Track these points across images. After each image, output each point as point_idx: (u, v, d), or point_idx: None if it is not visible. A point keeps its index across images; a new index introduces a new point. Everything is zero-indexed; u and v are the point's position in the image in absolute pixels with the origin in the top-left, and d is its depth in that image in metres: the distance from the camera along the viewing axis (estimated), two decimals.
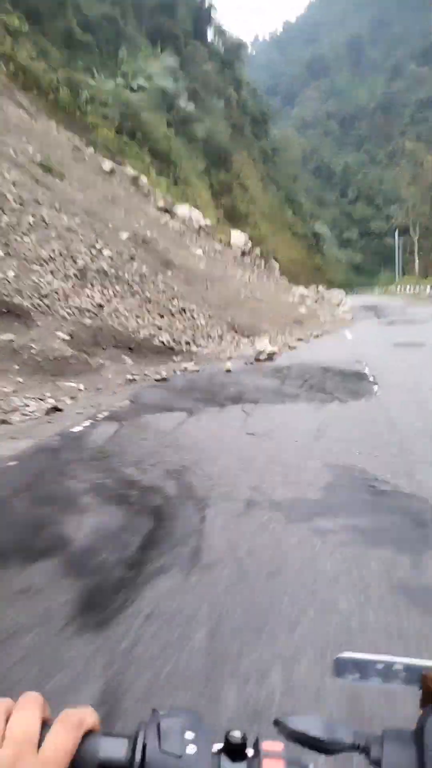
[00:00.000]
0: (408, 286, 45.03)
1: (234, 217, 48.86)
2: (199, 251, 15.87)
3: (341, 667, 0.71)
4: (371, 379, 8.91)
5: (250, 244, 23.10)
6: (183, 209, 19.26)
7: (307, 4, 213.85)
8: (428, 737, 0.58)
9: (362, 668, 0.71)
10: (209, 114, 48.84)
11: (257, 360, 11.36)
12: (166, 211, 18.08)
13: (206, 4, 54.60)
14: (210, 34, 58.32)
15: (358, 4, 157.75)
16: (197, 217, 20.06)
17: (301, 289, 20.25)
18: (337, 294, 23.86)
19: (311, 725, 0.61)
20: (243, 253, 22.08)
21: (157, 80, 33.97)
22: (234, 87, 57.35)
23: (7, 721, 0.48)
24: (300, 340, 14.02)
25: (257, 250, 24.46)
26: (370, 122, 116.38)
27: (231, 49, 59.79)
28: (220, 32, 58.28)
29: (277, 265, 25.50)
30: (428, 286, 38.32)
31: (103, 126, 25.24)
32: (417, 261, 50.51)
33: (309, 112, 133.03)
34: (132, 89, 30.15)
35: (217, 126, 48.36)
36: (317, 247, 69.41)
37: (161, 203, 17.91)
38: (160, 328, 11.84)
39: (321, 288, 21.90)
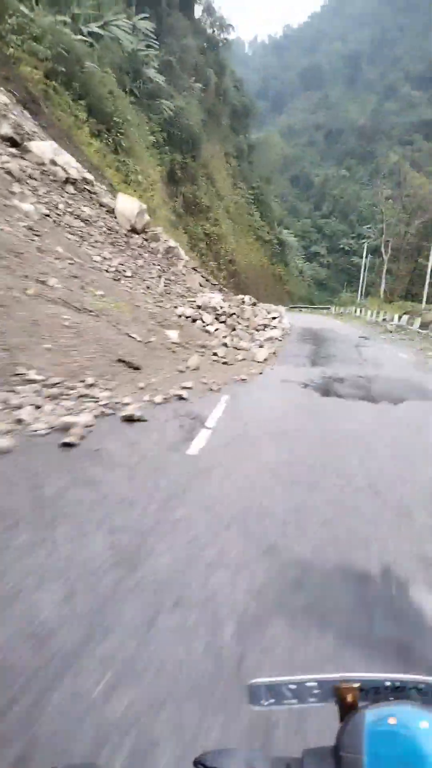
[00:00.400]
0: (370, 312, 37.22)
1: (193, 209, 44.84)
2: (29, 207, 10.63)
3: (255, 694, 0.71)
4: None
5: (146, 218, 16.92)
6: (43, 146, 13.79)
7: (310, 13, 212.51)
8: (344, 751, 0.59)
9: (276, 692, 0.71)
10: (182, 93, 44.61)
11: None
12: (14, 143, 12.93)
13: None
14: (198, 11, 54.08)
15: (361, 21, 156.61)
16: (66, 162, 14.38)
17: (210, 298, 13.79)
18: (269, 311, 17.72)
19: (228, 759, 0.62)
20: (133, 230, 16.25)
21: (117, 33, 29.45)
22: (216, 71, 53.24)
23: None
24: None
25: (158, 229, 18.07)
26: (357, 139, 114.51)
27: (218, 31, 55.68)
28: (209, 10, 54.05)
29: (184, 257, 18.56)
30: (396, 315, 29.67)
31: (28, 64, 20.73)
32: (383, 283, 46.77)
33: (296, 120, 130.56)
34: (81, 33, 25.59)
35: (189, 107, 44.12)
36: (281, 255, 66.02)
37: (6, 130, 12.71)
38: None
39: (248, 299, 15.89)
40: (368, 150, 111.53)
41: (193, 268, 17.99)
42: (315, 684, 0.69)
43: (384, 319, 31.40)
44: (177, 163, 42.43)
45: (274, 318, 15.50)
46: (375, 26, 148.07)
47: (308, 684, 0.69)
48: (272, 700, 0.70)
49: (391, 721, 0.61)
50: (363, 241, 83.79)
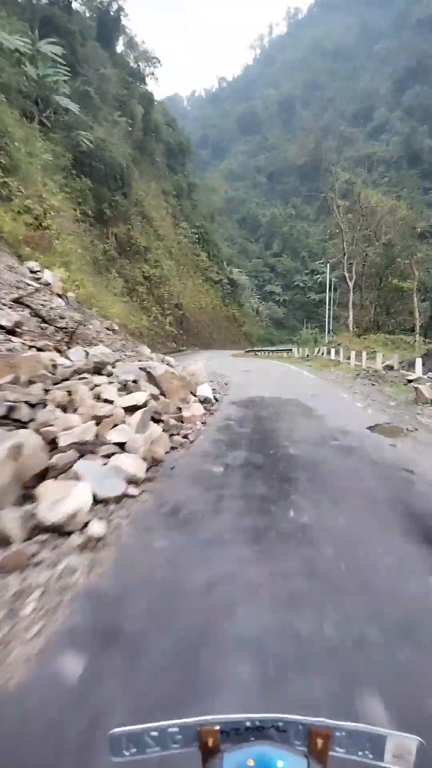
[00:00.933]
0: (353, 354, 23.02)
1: (128, 250, 39.67)
2: None
3: (116, 745, 0.69)
4: None
5: None
6: None
7: (243, 65, 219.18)
8: None
9: (138, 741, 0.69)
10: (104, 124, 40.11)
11: None
12: None
13: (114, 7, 46.77)
14: (121, 45, 50.60)
15: (291, 69, 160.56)
16: None
17: None
18: (126, 383, 6.28)
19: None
20: None
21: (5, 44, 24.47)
22: (144, 106, 49.31)
23: None
24: None
25: None
26: (299, 178, 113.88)
27: (144, 65, 52.20)
28: (130, 44, 50.65)
29: None
30: (418, 359, 16.23)
31: None
32: (351, 315, 40.60)
33: (238, 164, 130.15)
34: None
35: (113, 140, 39.53)
36: (234, 296, 61.34)
37: None
38: None
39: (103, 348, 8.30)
40: (312, 187, 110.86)
41: None
42: (177, 729, 0.68)
43: (389, 366, 18.19)
44: (105, 200, 37.47)
45: (139, 405, 5.52)
46: (305, 72, 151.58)
47: (170, 730, 0.68)
48: (134, 750, 0.68)
49: (249, 763, 0.60)
50: (317, 276, 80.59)
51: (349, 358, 23.27)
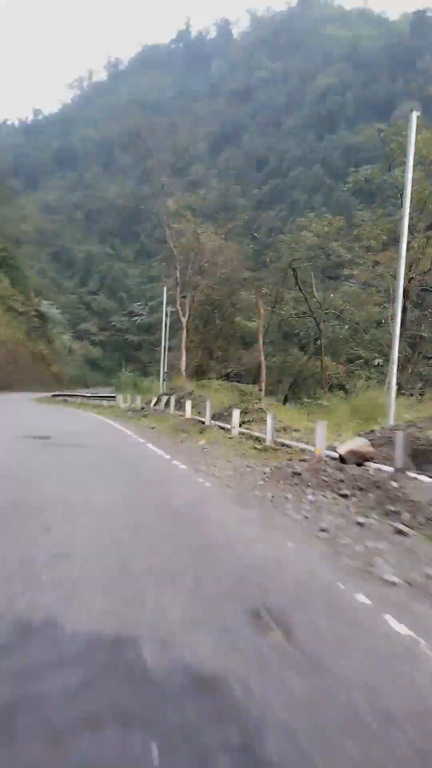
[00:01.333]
0: (236, 417, 13.07)
1: None
2: None
3: None
4: None
5: None
6: None
7: (62, 103, 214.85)
8: None
9: None
10: None
11: None
12: None
13: None
14: None
15: (111, 114, 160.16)
16: None
17: None
18: None
19: None
20: None
21: None
22: None
23: None
24: None
25: None
26: (118, 219, 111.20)
27: None
28: None
29: None
30: None
31: None
32: (184, 357, 34.96)
33: (54, 198, 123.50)
34: None
35: None
36: (43, 331, 53.97)
37: None
38: None
39: None
40: (131, 230, 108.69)
41: None
42: None
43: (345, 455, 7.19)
44: None
45: None
46: (125, 120, 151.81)
47: None
48: None
49: None
50: (135, 318, 76.67)
51: (223, 418, 14.25)
